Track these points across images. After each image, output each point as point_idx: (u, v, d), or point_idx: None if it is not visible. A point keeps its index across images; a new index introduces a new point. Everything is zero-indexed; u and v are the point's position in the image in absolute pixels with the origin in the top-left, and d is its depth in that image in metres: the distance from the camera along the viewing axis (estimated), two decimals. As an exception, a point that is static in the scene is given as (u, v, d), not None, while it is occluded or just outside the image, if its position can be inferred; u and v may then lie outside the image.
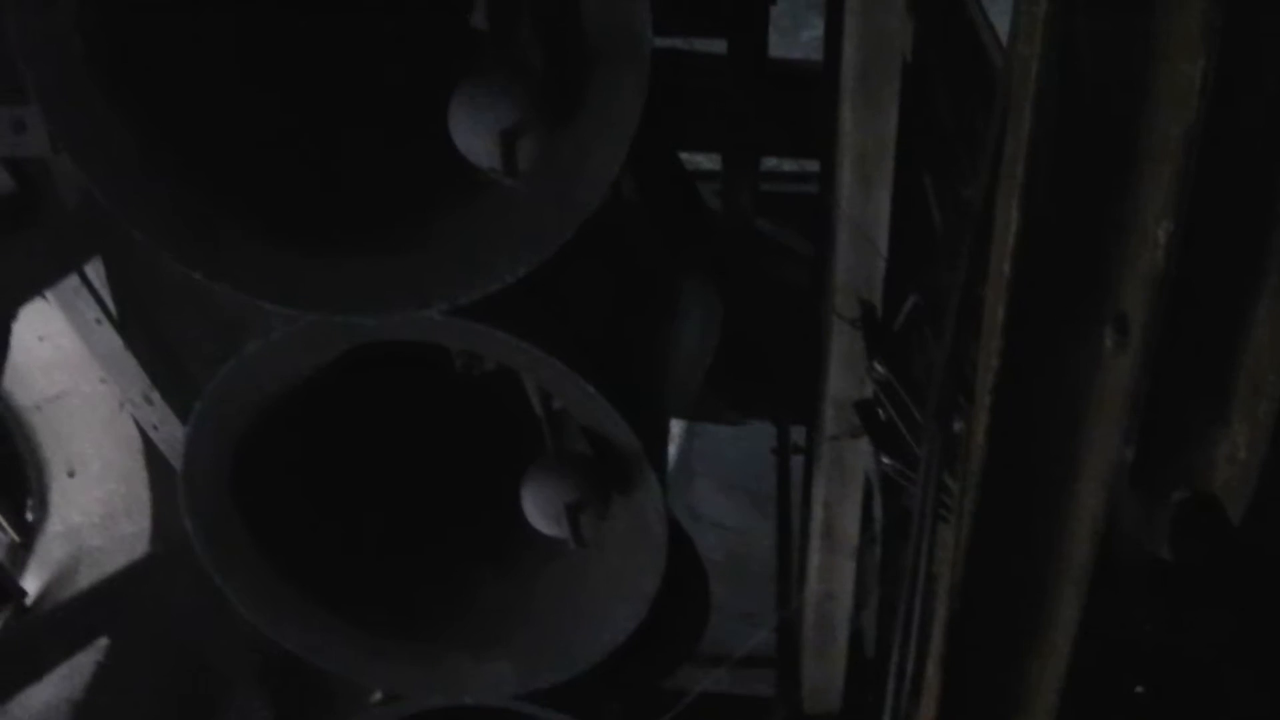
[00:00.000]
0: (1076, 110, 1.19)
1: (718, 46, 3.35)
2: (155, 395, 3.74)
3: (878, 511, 2.83)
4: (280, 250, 1.99)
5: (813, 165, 3.27)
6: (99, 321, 3.68)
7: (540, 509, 2.19)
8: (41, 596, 4.21)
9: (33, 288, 3.40)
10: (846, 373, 2.44)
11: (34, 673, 3.85)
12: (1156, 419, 1.47)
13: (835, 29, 2.37)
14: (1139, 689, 1.81)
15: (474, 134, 1.80)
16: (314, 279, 1.98)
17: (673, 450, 6.38)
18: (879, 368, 2.24)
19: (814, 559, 2.95)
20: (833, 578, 2.96)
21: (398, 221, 2.02)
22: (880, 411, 2.26)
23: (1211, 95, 1.15)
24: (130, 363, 3.70)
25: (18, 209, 3.31)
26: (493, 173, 1.81)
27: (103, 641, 4.04)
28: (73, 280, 3.53)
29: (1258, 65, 1.23)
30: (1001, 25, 1.96)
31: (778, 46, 4.21)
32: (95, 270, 3.60)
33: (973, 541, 1.56)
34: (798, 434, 3.90)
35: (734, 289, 3.23)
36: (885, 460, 2.21)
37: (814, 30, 4.88)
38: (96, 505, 4.22)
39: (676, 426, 6.38)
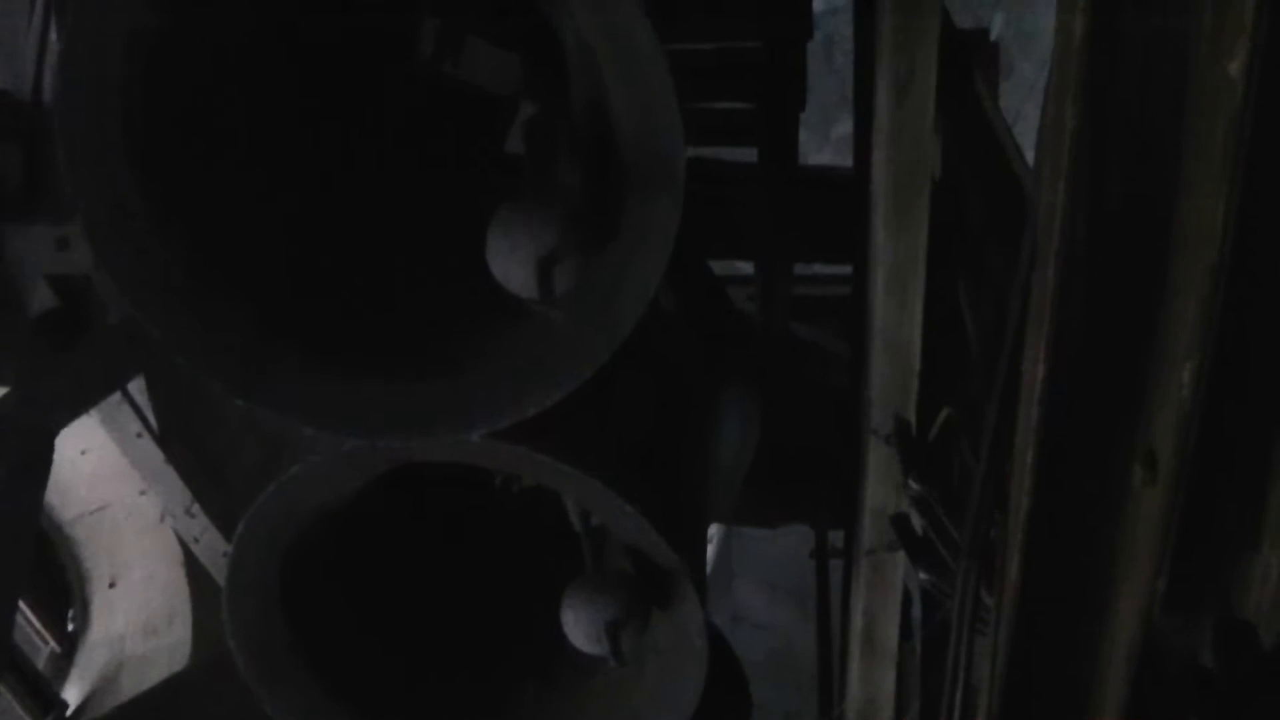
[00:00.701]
0: (1103, 251, 1.21)
1: (749, 155, 3.40)
2: (196, 508, 3.78)
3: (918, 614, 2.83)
4: (321, 375, 2.02)
5: (846, 268, 3.30)
6: (140, 435, 3.73)
7: (581, 628, 2.19)
8: (82, 706, 4.23)
9: (77, 405, 3.45)
10: (883, 485, 2.45)
11: (75, 781, 3.86)
12: (1188, 544, 1.48)
13: (864, 136, 2.40)
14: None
15: (511, 261, 1.83)
16: (354, 403, 2.01)
17: (711, 550, 6.38)
18: (914, 484, 2.24)
19: (855, 666, 2.94)
20: (874, 684, 2.94)
21: (436, 346, 2.05)
22: (916, 525, 2.26)
23: (1236, 231, 1.17)
24: (171, 476, 3.74)
25: (62, 326, 3.37)
26: (530, 300, 1.83)
27: (143, 752, 4.05)
28: (115, 394, 3.58)
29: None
30: (1026, 142, 2.00)
31: (808, 144, 4.25)
32: (136, 384, 3.65)
33: (1009, 667, 1.56)
34: (836, 537, 3.90)
35: (771, 393, 3.25)
36: (922, 575, 2.21)
37: (844, 126, 4.93)
38: (138, 615, 4.25)
39: (715, 527, 6.39)
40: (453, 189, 2.29)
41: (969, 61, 2.64)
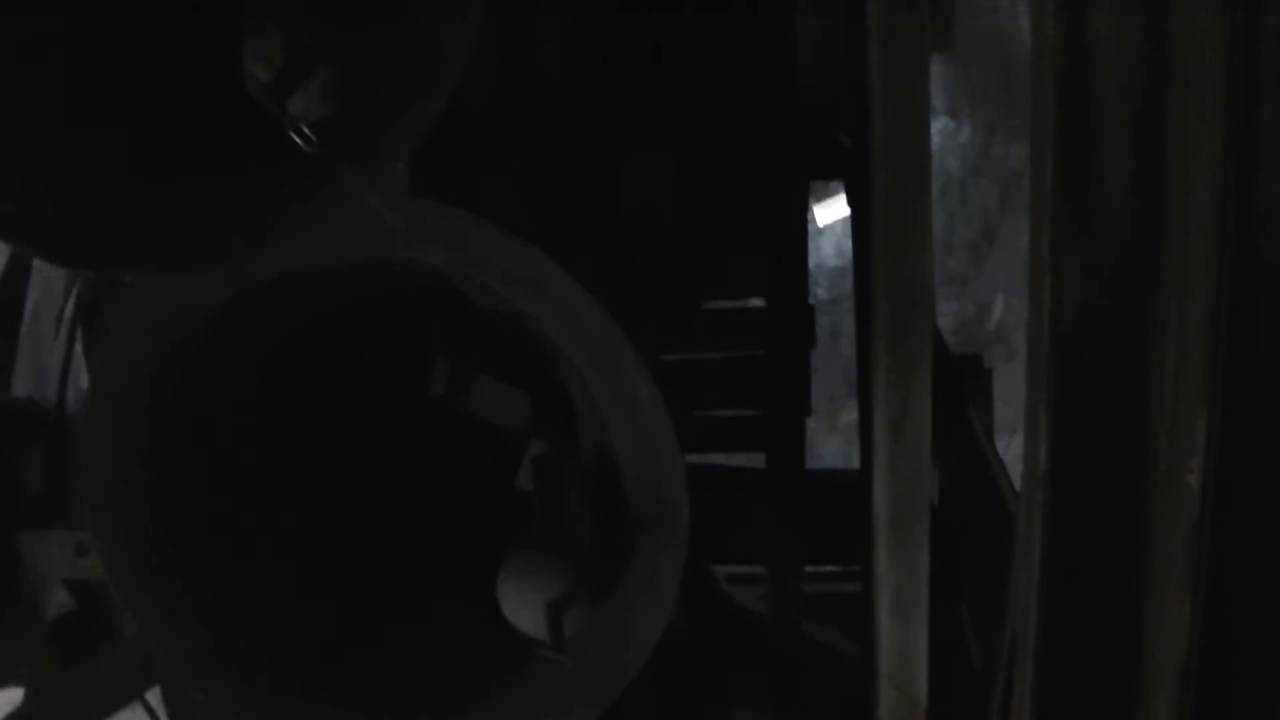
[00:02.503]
0: (1075, 653, 1.26)
1: (756, 460, 3.46)
2: (206, 816, 3.72)
3: None
4: (316, 703, 2.05)
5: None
6: (153, 737, 3.70)
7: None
8: None
9: (93, 715, 3.44)
10: (895, 815, 2.43)
11: None
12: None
13: (866, 447, 2.46)
14: None
15: (522, 605, 1.88)
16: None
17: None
18: (922, 817, 2.24)
19: None
20: None
21: (445, 682, 2.08)
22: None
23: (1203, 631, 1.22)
24: (183, 780, 3.69)
25: (79, 632, 3.38)
26: (540, 644, 1.87)
27: None
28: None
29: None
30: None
31: (815, 431, 4.32)
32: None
33: None
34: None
35: (783, 698, 3.24)
36: None
37: (851, 413, 5.02)
38: None
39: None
40: (462, 523, 2.35)
41: (963, 391, 2.73)
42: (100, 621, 3.44)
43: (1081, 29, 1.17)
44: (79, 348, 2.85)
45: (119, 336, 1.95)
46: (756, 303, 3.50)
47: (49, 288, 2.91)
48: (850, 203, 3.17)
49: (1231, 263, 1.14)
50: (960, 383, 2.73)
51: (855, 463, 2.88)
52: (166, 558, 2.02)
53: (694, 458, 3.45)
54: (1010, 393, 3.17)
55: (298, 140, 1.53)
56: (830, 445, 6.66)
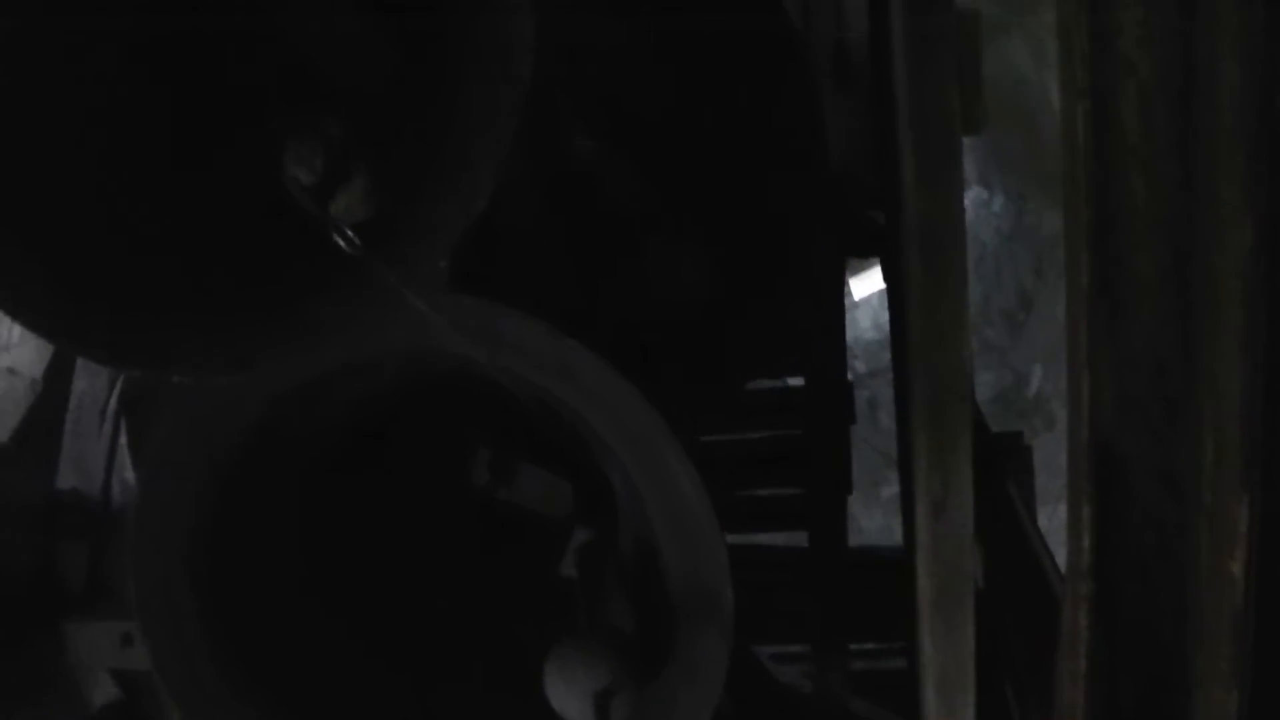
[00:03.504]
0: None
1: (798, 539, 3.46)
2: None
3: None
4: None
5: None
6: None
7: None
8: None
9: (137, 805, 3.44)
10: None
11: None
12: None
13: (910, 532, 2.46)
14: None
15: (568, 695, 1.88)
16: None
17: None
18: None
19: None
20: None
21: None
22: None
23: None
24: None
25: (123, 723, 3.39)
26: (586, 732, 1.88)
27: None
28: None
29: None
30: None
31: (856, 504, 4.30)
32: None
33: None
34: None
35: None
36: None
37: (892, 487, 5.01)
38: None
39: None
40: (507, 615, 2.36)
41: (1004, 469, 2.73)
42: (144, 712, 3.46)
43: (1112, 120, 1.19)
44: (123, 440, 2.88)
45: (165, 438, 1.99)
46: (795, 381, 3.52)
47: (94, 380, 2.95)
48: (886, 279, 3.20)
49: (1265, 350, 1.14)
50: (1001, 460, 2.73)
51: (897, 537, 2.89)
52: (211, 653, 2.04)
53: (735, 538, 3.46)
54: (1050, 461, 3.18)
55: (339, 242, 1.56)
56: (873, 519, 6.64)
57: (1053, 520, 2.69)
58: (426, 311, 1.60)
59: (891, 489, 4.87)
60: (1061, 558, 1.58)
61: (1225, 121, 1.10)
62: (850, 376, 3.47)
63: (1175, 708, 1.24)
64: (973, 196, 7.96)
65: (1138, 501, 1.20)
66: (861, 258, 3.51)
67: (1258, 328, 1.12)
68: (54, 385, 2.96)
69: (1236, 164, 1.10)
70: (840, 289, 3.33)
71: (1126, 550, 1.21)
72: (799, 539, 3.43)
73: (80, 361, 2.93)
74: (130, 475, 2.72)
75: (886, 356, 3.20)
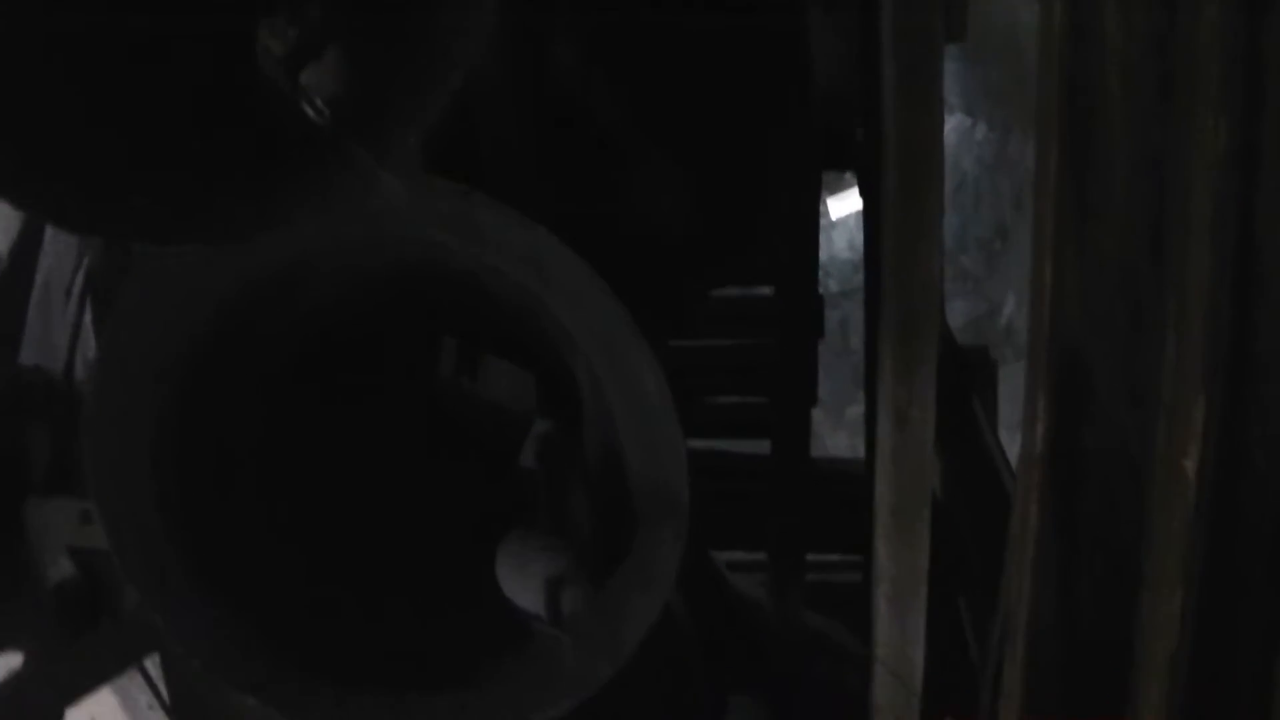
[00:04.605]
0: (1073, 641, 1.27)
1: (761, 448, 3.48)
2: (203, 784, 3.74)
3: None
4: (320, 683, 2.07)
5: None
6: (151, 708, 3.72)
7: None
8: None
9: (91, 683, 3.45)
10: (881, 799, 2.44)
11: None
12: None
13: (872, 443, 2.48)
14: None
15: (521, 583, 1.89)
16: (355, 712, 2.05)
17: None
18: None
19: None
20: None
21: (442, 660, 2.10)
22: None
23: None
24: (181, 751, 3.71)
25: (82, 601, 3.39)
26: (537, 620, 1.89)
27: None
28: (130, 667, 3.58)
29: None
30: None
31: (822, 424, 4.30)
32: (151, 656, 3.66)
33: None
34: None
35: (782, 689, 3.25)
36: None
37: (858, 407, 5.03)
38: None
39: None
40: (465, 504, 2.35)
41: (968, 383, 2.74)
42: (103, 590, 3.46)
43: (1088, 25, 1.17)
44: (88, 319, 2.86)
45: (128, 311, 1.96)
46: (767, 291, 3.52)
47: (60, 259, 2.92)
48: (863, 195, 3.19)
49: (1234, 254, 1.14)
50: (966, 375, 2.74)
51: (862, 456, 2.90)
52: (168, 534, 2.03)
53: (699, 443, 3.48)
54: (1018, 391, 3.19)
55: (310, 114, 1.54)
56: (837, 439, 6.67)
57: (1015, 445, 2.70)
58: (397, 186, 1.58)
59: (858, 409, 4.90)
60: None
61: (1205, 20, 1.09)
62: (822, 293, 3.47)
63: (1126, 605, 1.25)
64: (956, 123, 7.93)
65: (1098, 401, 1.21)
66: (839, 171, 3.49)
67: (1228, 232, 1.12)
68: (20, 264, 2.94)
69: (1214, 68, 1.09)
70: (815, 201, 3.31)
71: (1084, 449, 1.21)
72: (762, 448, 3.45)
73: (47, 240, 2.90)
74: (94, 354, 2.70)
75: (860, 278, 3.20)
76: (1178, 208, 1.13)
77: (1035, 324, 1.18)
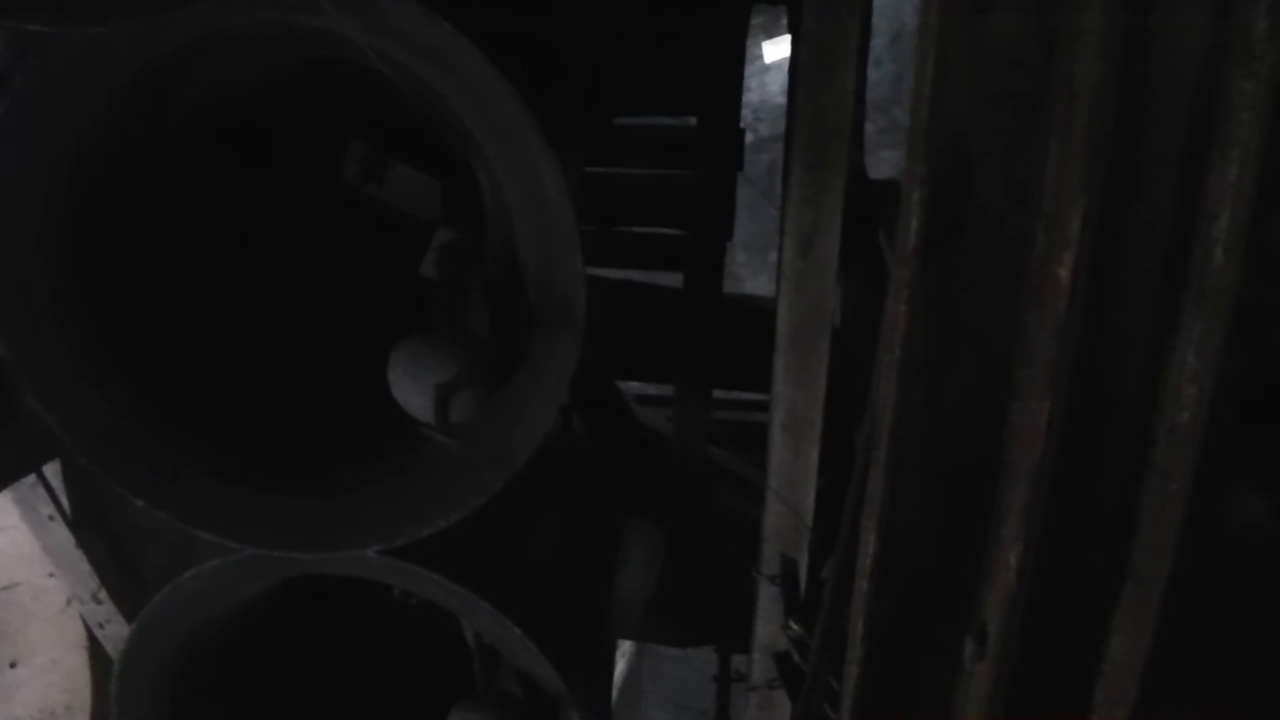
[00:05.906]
0: (936, 442, 1.27)
1: (675, 280, 3.46)
2: (103, 594, 3.75)
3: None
4: (221, 486, 2.06)
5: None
6: (52, 518, 3.71)
7: None
8: (-28, 789, 4.16)
9: (-7, 484, 3.43)
10: (771, 624, 2.48)
11: None
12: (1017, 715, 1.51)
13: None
14: None
15: (412, 388, 1.87)
16: (253, 516, 2.04)
17: (622, 667, 6.37)
18: (794, 626, 2.28)
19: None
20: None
21: (336, 464, 2.09)
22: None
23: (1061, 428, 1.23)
24: (80, 560, 3.71)
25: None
26: (426, 427, 1.87)
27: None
28: (29, 475, 3.56)
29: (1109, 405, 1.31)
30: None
31: (745, 268, 4.29)
32: (52, 466, 3.63)
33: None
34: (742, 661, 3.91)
35: (682, 519, 3.28)
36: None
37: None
38: (36, 699, 4.19)
39: (626, 644, 6.37)
40: (365, 308, 2.33)
41: (875, 214, 2.73)
42: (2, 399, 3.42)
43: None
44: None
45: (22, 90, 1.89)
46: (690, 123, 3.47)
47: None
48: (791, 29, 3.13)
49: (1123, 55, 1.12)
50: (874, 208, 2.73)
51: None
52: (62, 329, 1.99)
53: (613, 273, 3.46)
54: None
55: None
56: (759, 282, 6.67)
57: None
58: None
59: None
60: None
61: None
62: (753, 137, 3.44)
63: (993, 414, 1.26)
64: (896, -28, 7.83)
65: (978, 198, 1.19)
66: (771, 3, 3.42)
67: (1119, 29, 1.10)
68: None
69: None
70: (743, 32, 3.25)
71: (956, 240, 1.20)
72: (675, 281, 3.44)
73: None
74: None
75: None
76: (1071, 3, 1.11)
77: (916, 111, 1.16)
